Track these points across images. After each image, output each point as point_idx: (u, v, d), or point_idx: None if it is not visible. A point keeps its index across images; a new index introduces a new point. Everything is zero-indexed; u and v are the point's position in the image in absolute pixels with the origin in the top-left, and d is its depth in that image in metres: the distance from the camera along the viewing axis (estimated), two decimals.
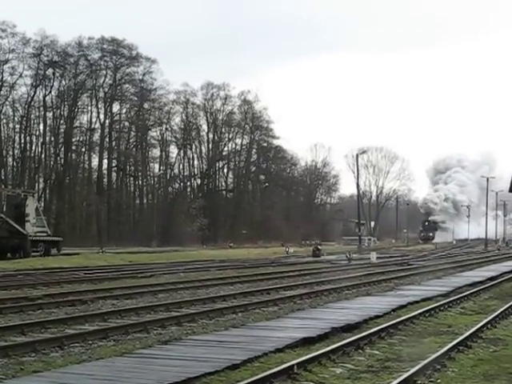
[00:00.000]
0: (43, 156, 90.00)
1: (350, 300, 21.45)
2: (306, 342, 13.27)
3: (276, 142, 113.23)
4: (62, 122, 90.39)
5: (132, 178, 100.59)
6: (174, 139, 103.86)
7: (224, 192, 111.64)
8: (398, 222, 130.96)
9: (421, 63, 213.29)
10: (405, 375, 10.15)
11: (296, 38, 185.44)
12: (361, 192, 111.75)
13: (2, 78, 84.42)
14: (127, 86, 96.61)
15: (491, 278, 30.65)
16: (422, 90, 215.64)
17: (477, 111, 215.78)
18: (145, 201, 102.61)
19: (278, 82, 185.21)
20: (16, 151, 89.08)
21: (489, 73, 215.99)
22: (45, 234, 50.05)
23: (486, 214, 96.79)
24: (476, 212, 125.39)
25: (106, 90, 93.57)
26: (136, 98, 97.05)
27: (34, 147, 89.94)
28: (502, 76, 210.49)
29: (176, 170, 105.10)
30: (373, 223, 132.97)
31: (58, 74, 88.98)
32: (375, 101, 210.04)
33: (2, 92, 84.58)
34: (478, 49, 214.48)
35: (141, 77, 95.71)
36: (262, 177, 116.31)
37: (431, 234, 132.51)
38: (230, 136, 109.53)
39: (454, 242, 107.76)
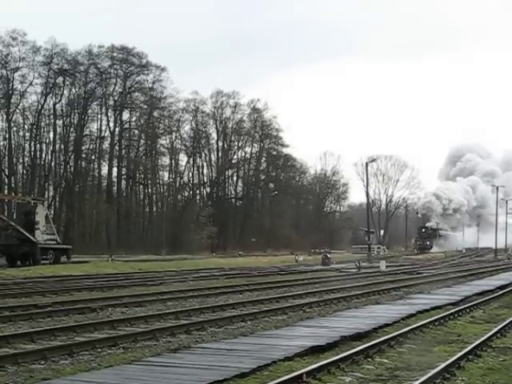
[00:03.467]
0: (53, 164, 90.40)
1: (359, 308, 21.41)
2: (315, 351, 13.25)
3: (285, 151, 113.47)
4: (71, 129, 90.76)
5: (141, 186, 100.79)
6: (183, 147, 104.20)
7: (233, 200, 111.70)
8: (407, 231, 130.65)
9: (431, 70, 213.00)
10: None
11: (305, 46, 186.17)
12: (370, 200, 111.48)
13: (13, 86, 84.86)
14: (137, 94, 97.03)
15: (501, 287, 30.49)
16: (433, 98, 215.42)
17: (489, 118, 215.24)
18: (154, 209, 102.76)
19: (288, 90, 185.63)
20: (26, 159, 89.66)
21: (499, 79, 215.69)
22: (54, 242, 50.17)
23: (496, 221, 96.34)
24: (489, 219, 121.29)
25: (116, 98, 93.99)
26: (146, 106, 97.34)
27: (43, 155, 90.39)
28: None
29: (185, 178, 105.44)
30: (382, 232, 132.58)
31: (68, 82, 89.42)
32: (385, 109, 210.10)
33: (12, 100, 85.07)
34: (488, 57, 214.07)
35: (150, 85, 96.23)
36: (272, 185, 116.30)
37: (428, 243, 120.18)
38: (240, 144, 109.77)
39: (464, 251, 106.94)
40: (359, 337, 15.19)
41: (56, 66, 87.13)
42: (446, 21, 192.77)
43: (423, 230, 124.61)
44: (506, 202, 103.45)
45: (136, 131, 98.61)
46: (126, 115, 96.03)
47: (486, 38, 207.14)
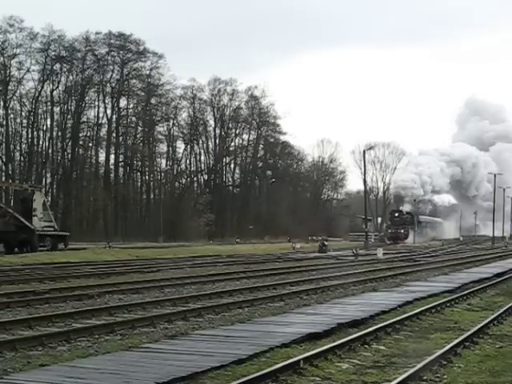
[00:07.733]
0: (50, 151, 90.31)
1: (356, 296, 21.43)
2: (312, 338, 13.27)
3: (283, 138, 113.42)
4: (69, 117, 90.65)
5: (139, 174, 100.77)
6: (180, 134, 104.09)
7: (231, 187, 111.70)
8: None
9: (429, 57, 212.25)
10: (411, 371, 10.15)
11: (303, 32, 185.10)
12: (368, 188, 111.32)
13: (10, 72, 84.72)
14: (134, 81, 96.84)
15: (498, 275, 30.54)
16: (431, 85, 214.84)
17: None
18: (151, 196, 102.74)
19: (286, 77, 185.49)
20: (23, 146, 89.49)
21: (498, 67, 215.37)
22: (52, 229, 50.18)
23: (494, 209, 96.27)
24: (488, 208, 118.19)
25: (113, 85, 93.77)
26: (143, 93, 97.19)
27: (41, 142, 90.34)
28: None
29: (183, 166, 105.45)
30: (379, 219, 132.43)
31: (65, 69, 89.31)
32: (383, 96, 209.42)
33: (9, 87, 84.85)
34: (486, 44, 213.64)
35: (148, 72, 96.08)
36: (269, 172, 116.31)
37: (403, 231, 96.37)
38: (237, 131, 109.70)
39: (461, 239, 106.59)
40: (356, 324, 15.22)
41: (53, 53, 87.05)
42: (443, 6, 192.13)
43: (396, 215, 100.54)
44: (504, 189, 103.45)
45: (133, 118, 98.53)
46: (123, 102, 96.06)
47: (486, 21, 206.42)
